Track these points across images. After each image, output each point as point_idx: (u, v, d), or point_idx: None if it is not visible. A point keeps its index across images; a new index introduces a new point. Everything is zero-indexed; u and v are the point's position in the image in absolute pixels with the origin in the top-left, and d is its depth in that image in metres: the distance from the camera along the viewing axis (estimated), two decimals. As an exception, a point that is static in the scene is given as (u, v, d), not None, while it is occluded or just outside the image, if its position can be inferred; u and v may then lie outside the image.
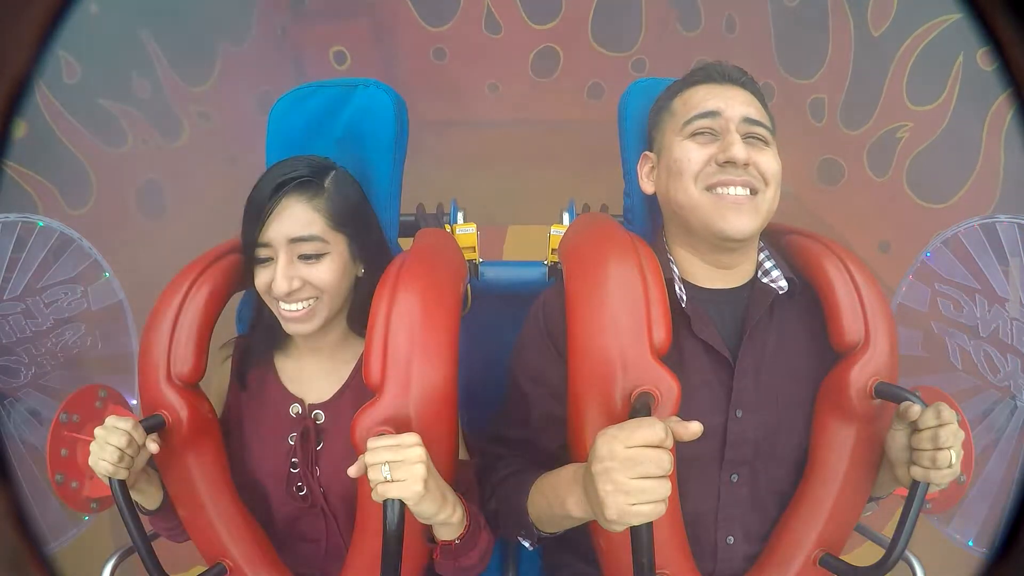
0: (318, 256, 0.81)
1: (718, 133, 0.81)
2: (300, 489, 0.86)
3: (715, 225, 0.79)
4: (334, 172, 0.86)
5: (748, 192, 0.79)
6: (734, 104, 0.82)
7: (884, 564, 0.74)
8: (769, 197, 0.80)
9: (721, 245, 0.82)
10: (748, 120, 0.81)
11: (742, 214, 0.78)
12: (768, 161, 0.80)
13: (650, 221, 0.96)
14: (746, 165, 0.78)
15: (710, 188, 0.79)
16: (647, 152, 0.91)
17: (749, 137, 0.81)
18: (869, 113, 2.00)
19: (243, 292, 0.96)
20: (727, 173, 0.78)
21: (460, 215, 1.23)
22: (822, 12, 2.12)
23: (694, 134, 0.82)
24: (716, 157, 0.79)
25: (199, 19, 2.26)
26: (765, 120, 0.83)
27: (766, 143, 0.82)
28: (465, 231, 1.16)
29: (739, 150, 0.78)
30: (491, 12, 2.85)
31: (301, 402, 0.88)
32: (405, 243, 0.99)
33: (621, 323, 0.74)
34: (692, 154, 0.81)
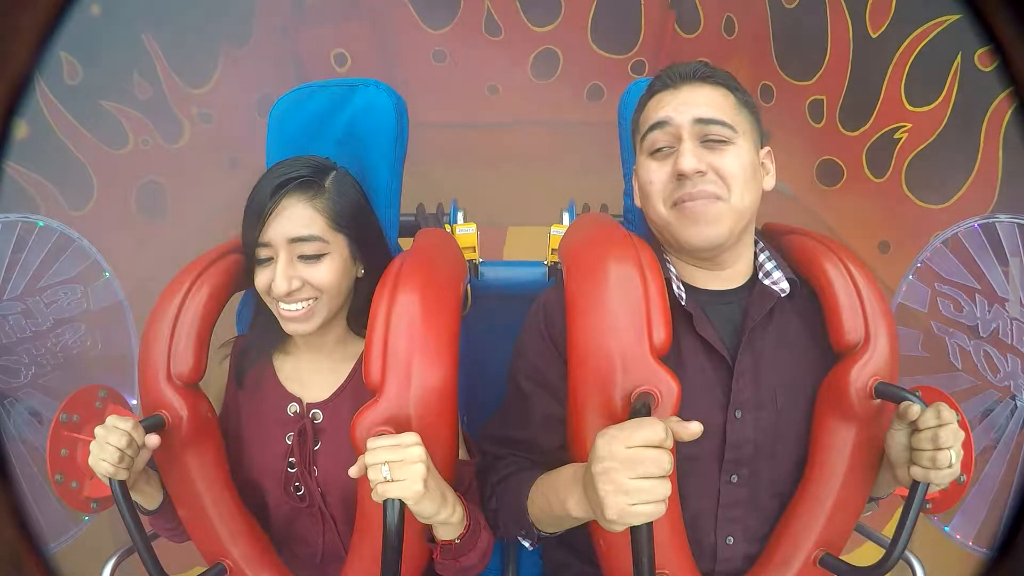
0: (318, 256, 0.81)
1: (674, 143, 0.79)
2: (298, 489, 0.86)
3: (682, 238, 0.80)
4: (334, 172, 0.86)
5: (714, 199, 0.77)
6: (684, 108, 0.79)
7: (884, 564, 0.74)
8: (735, 200, 0.78)
9: (697, 255, 0.82)
10: (700, 121, 0.78)
11: (703, 224, 0.77)
12: (727, 162, 0.78)
13: (650, 221, 0.96)
14: (702, 173, 0.77)
15: (675, 204, 0.79)
16: (635, 169, 0.90)
17: (706, 140, 0.78)
18: (868, 114, 2.01)
19: (243, 292, 0.96)
20: (684, 187, 0.78)
21: (460, 215, 1.23)
22: (820, 13, 2.12)
23: (653, 151, 0.81)
24: (674, 173, 0.78)
25: (200, 21, 2.26)
26: (721, 115, 0.79)
27: (726, 141, 0.78)
28: (465, 231, 1.16)
29: (686, 161, 0.76)
30: (491, 14, 2.86)
31: (299, 401, 0.88)
32: (405, 243, 0.99)
33: (621, 323, 0.74)
34: (653, 175, 0.81)
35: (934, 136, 1.79)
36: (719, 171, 0.78)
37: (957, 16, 1.63)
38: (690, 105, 0.79)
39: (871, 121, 2.00)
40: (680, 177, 0.78)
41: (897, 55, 1.85)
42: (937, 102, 1.76)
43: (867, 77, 2.01)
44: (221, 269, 0.88)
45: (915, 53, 1.81)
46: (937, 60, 1.74)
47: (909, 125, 1.87)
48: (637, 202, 0.89)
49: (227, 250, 0.90)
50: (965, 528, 1.25)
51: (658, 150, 0.81)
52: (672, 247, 0.85)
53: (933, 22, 1.74)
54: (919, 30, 1.77)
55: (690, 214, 0.78)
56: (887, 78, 1.90)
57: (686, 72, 0.82)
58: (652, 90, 0.85)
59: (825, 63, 2.15)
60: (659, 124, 0.80)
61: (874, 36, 1.95)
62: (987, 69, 1.58)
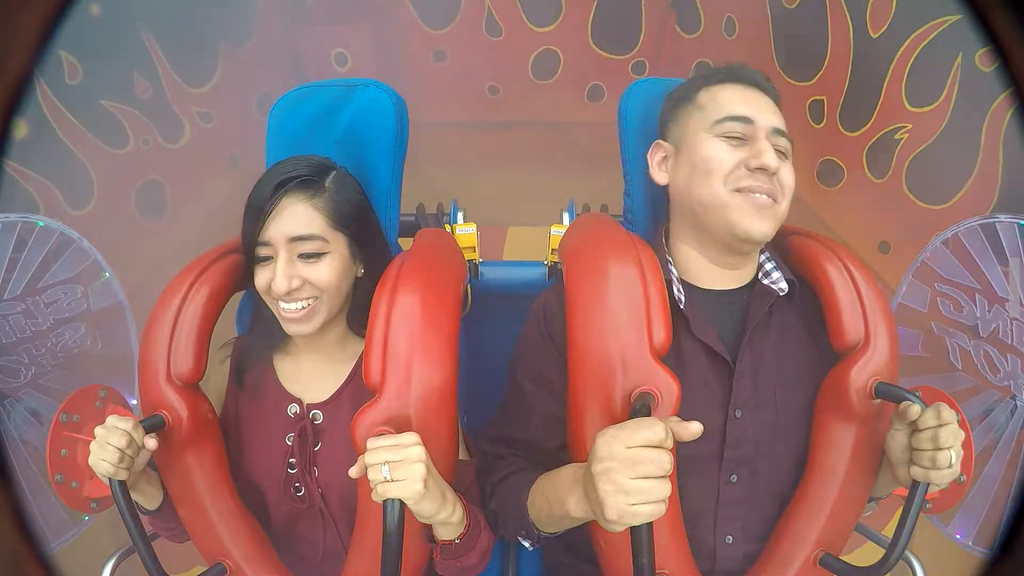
0: (318, 255, 0.81)
1: (748, 139, 0.81)
2: (298, 490, 0.86)
3: (739, 224, 0.80)
4: (334, 172, 0.86)
5: (773, 202, 0.80)
6: (765, 113, 0.83)
7: (884, 564, 0.74)
8: (784, 206, 0.82)
9: (735, 246, 0.82)
10: (776, 131, 0.82)
11: (765, 217, 0.80)
12: (787, 174, 0.82)
13: (650, 221, 0.96)
14: (774, 174, 0.80)
15: (737, 191, 0.80)
16: (660, 142, 0.90)
17: (775, 148, 0.81)
18: (868, 114, 2.01)
19: (243, 292, 0.96)
20: (756, 179, 0.80)
21: (460, 215, 1.23)
22: (821, 14, 2.12)
23: (725, 135, 0.82)
24: (747, 162, 0.80)
25: (200, 20, 2.26)
26: (787, 132, 0.84)
27: (786, 156, 0.83)
28: (465, 231, 1.16)
29: (771, 158, 0.79)
30: (491, 14, 2.86)
31: (299, 402, 0.88)
32: (405, 243, 0.99)
33: (621, 323, 0.74)
34: (723, 155, 0.81)
35: (934, 137, 1.79)
36: (781, 179, 0.81)
37: (957, 16, 1.63)
38: (767, 112, 0.83)
39: (871, 121, 2.00)
40: (756, 170, 0.79)
41: (898, 55, 1.85)
42: (938, 102, 1.76)
43: (867, 78, 2.00)
44: (221, 269, 0.88)
45: (916, 53, 1.80)
46: (937, 60, 1.73)
47: (909, 126, 1.87)
48: (661, 178, 0.88)
49: (227, 250, 0.90)
50: (965, 528, 1.25)
51: (731, 137, 0.82)
52: (708, 231, 0.83)
53: (933, 23, 1.74)
54: (919, 30, 1.77)
55: (758, 203, 0.79)
56: (887, 78, 1.90)
57: (759, 80, 0.86)
58: (720, 77, 0.86)
59: (825, 63, 2.15)
60: (742, 119, 0.82)
61: (874, 36, 1.94)
62: (988, 70, 1.58)
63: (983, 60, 1.58)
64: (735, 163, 0.80)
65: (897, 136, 1.91)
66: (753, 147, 0.80)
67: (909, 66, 1.83)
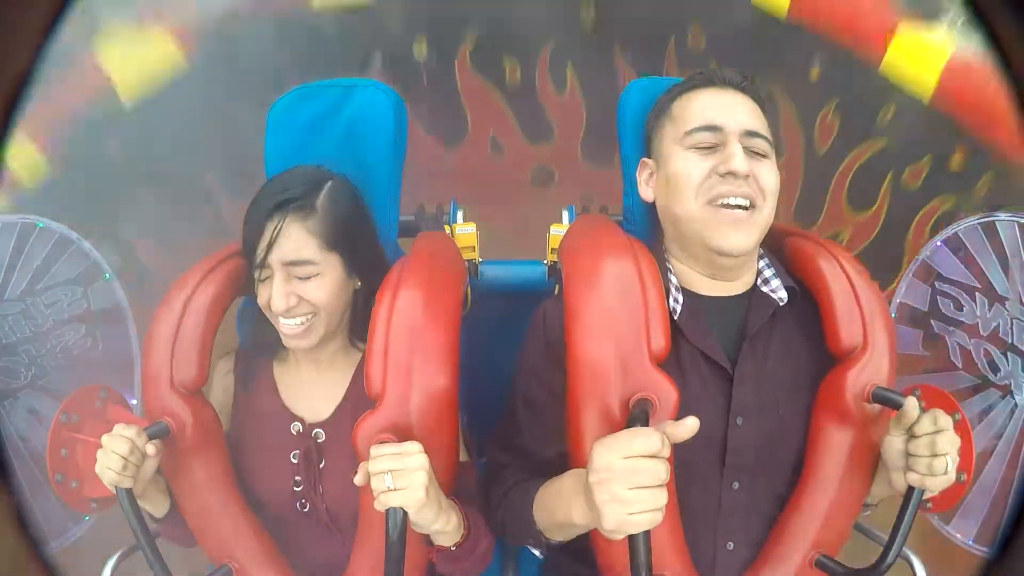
0: (312, 276, 0.82)
1: (718, 145, 0.80)
2: (304, 506, 0.86)
3: (712, 240, 0.78)
4: (329, 183, 0.86)
5: (748, 204, 0.78)
6: (735, 116, 0.81)
7: (878, 568, 0.74)
8: (767, 211, 0.80)
9: (716, 261, 0.81)
10: (749, 133, 0.80)
11: (740, 230, 0.78)
12: (767, 174, 0.80)
13: (649, 222, 0.95)
14: (747, 177, 0.78)
15: (711, 201, 0.79)
16: (645, 159, 0.90)
17: (749, 150, 0.80)
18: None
19: (243, 296, 0.96)
20: (728, 184, 0.78)
21: (460, 215, 1.23)
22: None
23: (695, 147, 0.81)
24: (717, 168, 0.78)
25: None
26: (765, 132, 0.82)
27: (765, 156, 0.81)
28: (465, 231, 1.16)
29: (740, 162, 0.77)
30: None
31: (302, 421, 0.88)
32: (405, 243, 0.99)
33: (619, 328, 0.74)
34: (692, 168, 0.80)
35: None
36: (759, 180, 0.79)
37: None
38: (738, 113, 0.81)
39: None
40: (727, 175, 0.78)
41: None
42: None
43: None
44: (222, 275, 0.88)
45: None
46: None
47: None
48: (647, 195, 0.88)
49: (228, 254, 0.90)
50: (965, 527, 1.25)
51: (701, 147, 0.81)
52: (690, 246, 0.83)
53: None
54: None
55: (730, 218, 0.78)
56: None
57: (734, 80, 0.83)
58: (694, 84, 0.85)
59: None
60: (711, 128, 0.80)
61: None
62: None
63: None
64: (705, 173, 0.79)
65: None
66: (723, 152, 0.79)
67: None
